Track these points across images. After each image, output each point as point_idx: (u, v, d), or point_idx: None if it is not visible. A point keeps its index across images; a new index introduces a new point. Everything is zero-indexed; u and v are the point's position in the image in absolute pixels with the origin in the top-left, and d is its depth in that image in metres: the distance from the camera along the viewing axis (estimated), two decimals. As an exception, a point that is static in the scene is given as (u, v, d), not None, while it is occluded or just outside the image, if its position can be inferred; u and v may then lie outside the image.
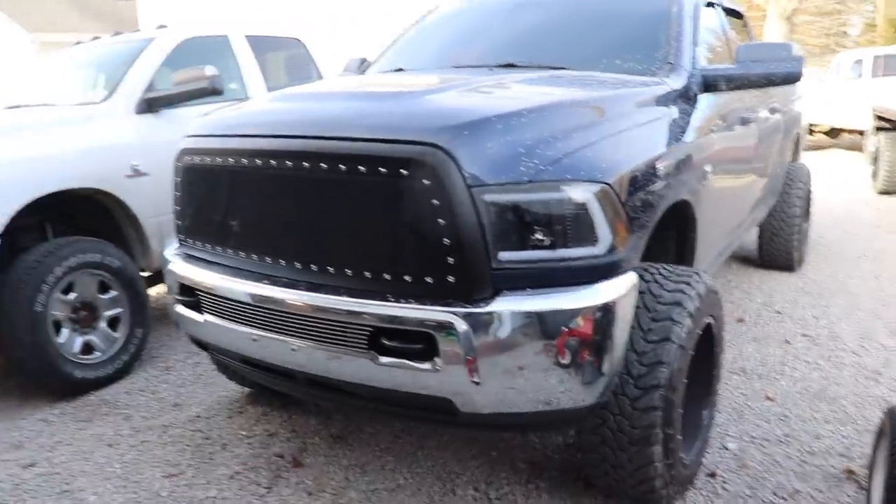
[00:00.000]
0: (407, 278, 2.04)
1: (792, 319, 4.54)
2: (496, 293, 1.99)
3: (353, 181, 2.08)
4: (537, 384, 2.03)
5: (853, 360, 3.86)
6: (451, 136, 2.00)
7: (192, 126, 2.68)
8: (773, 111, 4.50)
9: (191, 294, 2.58)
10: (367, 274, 2.09)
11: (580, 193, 2.02)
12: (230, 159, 2.37)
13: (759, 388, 3.53)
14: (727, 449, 2.95)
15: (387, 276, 2.07)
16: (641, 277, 2.31)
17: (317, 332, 2.19)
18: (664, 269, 2.46)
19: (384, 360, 2.09)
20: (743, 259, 5.95)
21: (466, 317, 1.96)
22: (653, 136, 2.60)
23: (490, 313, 1.96)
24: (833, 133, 14.66)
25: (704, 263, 3.23)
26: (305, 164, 2.17)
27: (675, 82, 2.98)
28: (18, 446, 3.16)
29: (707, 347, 2.68)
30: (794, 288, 5.21)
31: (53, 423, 3.39)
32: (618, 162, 2.21)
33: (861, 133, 13.02)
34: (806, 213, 5.77)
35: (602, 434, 2.32)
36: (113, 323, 3.86)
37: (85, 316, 3.73)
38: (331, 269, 2.16)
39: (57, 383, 3.58)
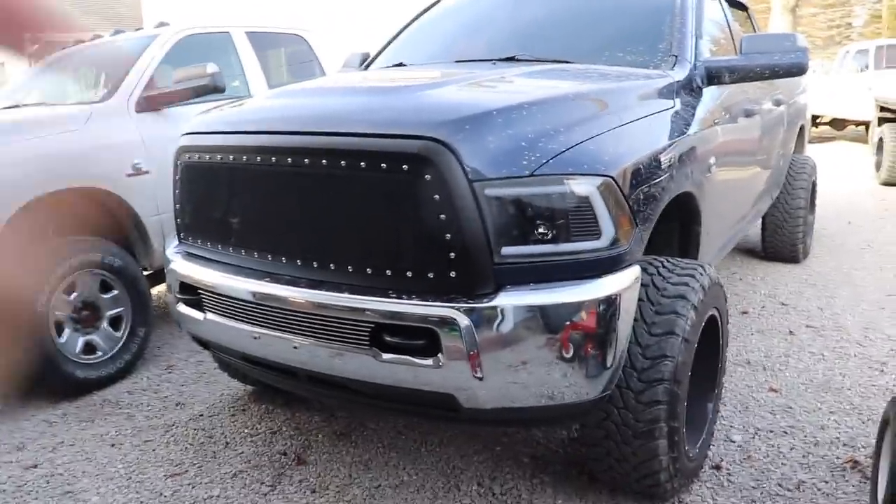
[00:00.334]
0: (409, 274, 2.03)
1: (796, 311, 4.52)
2: (499, 288, 1.98)
3: (354, 177, 2.07)
4: (541, 378, 2.02)
5: (858, 350, 3.84)
6: (451, 130, 1.99)
7: (192, 123, 2.67)
8: (777, 103, 4.48)
9: (192, 292, 2.57)
10: (369, 270, 2.08)
11: (583, 187, 2.00)
12: (230, 156, 2.36)
13: (764, 379, 3.52)
14: (732, 441, 2.94)
15: (388, 273, 2.05)
16: (645, 270, 2.30)
17: (318, 329, 2.18)
18: (668, 261, 2.44)
19: (386, 356, 2.08)
20: (747, 251, 5.94)
21: (469, 312, 1.95)
22: (656, 128, 2.58)
23: (493, 308, 1.95)
24: (837, 124, 14.63)
25: (708, 256, 3.21)
26: (306, 161, 2.15)
27: (679, 74, 2.96)
28: (20, 447, 3.15)
29: (711, 340, 2.67)
30: (799, 279, 5.20)
31: (56, 423, 3.38)
32: (621, 155, 2.19)
33: (865, 124, 12.98)
34: (811, 205, 5.75)
35: (606, 428, 2.31)
36: (115, 322, 3.86)
37: (87, 316, 3.73)
38: (332, 266, 2.15)
39: (59, 384, 3.58)
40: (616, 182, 2.09)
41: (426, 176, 1.95)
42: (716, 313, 2.59)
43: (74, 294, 3.66)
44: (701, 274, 2.42)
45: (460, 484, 2.69)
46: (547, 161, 2.00)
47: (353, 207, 2.10)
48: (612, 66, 3.04)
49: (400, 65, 3.64)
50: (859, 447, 2.85)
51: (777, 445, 2.89)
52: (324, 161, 2.12)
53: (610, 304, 2.03)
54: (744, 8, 4.88)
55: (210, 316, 2.52)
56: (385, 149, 2.02)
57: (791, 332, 4.15)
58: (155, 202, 4.13)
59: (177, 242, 2.75)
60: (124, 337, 3.87)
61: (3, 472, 2.93)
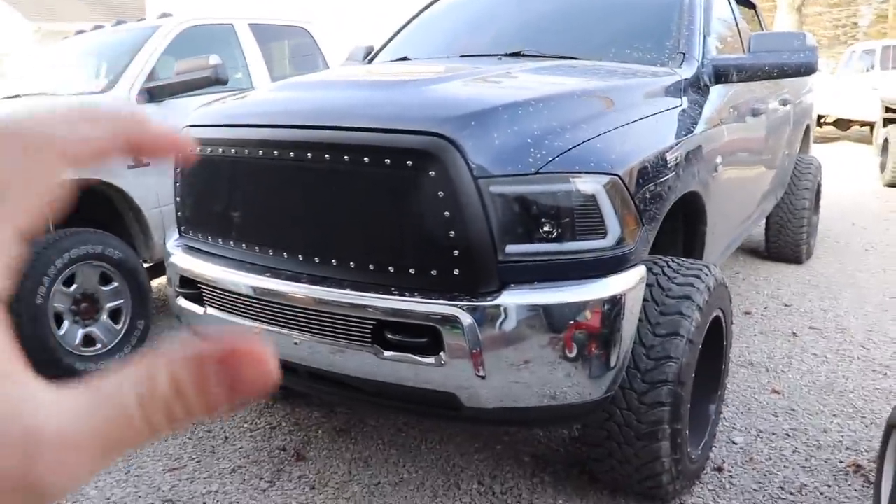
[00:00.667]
0: (412, 271, 2.00)
1: (799, 312, 4.50)
2: (503, 286, 1.95)
3: (358, 172, 2.04)
4: (543, 378, 2.00)
5: (861, 353, 3.82)
6: (457, 126, 1.96)
7: (193, 115, 2.64)
8: (784, 102, 4.45)
9: (192, 287, 2.55)
10: (371, 267, 2.06)
11: (589, 185, 1.98)
12: (232, 149, 2.33)
13: (767, 381, 3.49)
14: (734, 443, 2.92)
15: (391, 269, 2.03)
16: (650, 270, 2.27)
17: (320, 325, 2.15)
18: (673, 261, 2.42)
19: (388, 354, 2.05)
20: (750, 251, 5.91)
21: (472, 310, 1.93)
22: (663, 126, 2.56)
23: (496, 307, 1.93)
24: (842, 124, 14.58)
25: (713, 256, 3.19)
26: (308, 155, 2.13)
27: (686, 72, 2.93)
28: (20, 438, 3.13)
29: (715, 341, 2.65)
30: (802, 280, 5.17)
31: (55, 414, 3.36)
32: (627, 153, 2.17)
33: (870, 125, 12.94)
34: (815, 206, 5.71)
35: (609, 429, 2.29)
36: (114, 315, 3.84)
37: (86, 308, 3.71)
38: (334, 262, 2.13)
39: (58, 376, 3.55)
40: (622, 181, 2.06)
41: (430, 172, 1.93)
42: (720, 314, 2.57)
43: (74, 286, 3.64)
44: (706, 274, 2.40)
45: (460, 482, 2.67)
46: (553, 158, 1.98)
47: (356, 203, 2.07)
48: (620, 62, 3.01)
49: (404, 59, 3.61)
50: (862, 451, 2.83)
51: (779, 448, 2.87)
52: (326, 155, 2.09)
53: (614, 304, 2.01)
54: (751, 6, 4.85)
55: (210, 310, 2.50)
56: (389, 144, 2.00)
57: (794, 333, 4.13)
58: (155, 194, 4.11)
59: (177, 236, 2.73)
60: (124, 329, 3.86)
61: (1, 465, 2.91)
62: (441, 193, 1.92)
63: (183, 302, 2.62)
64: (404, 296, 2.00)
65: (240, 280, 2.32)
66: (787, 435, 2.98)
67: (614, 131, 2.22)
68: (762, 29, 5.03)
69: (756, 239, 5.90)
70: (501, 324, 1.94)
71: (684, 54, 3.06)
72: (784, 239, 5.44)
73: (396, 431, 3.06)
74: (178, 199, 2.67)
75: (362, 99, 2.27)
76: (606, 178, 2.01)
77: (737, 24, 4.07)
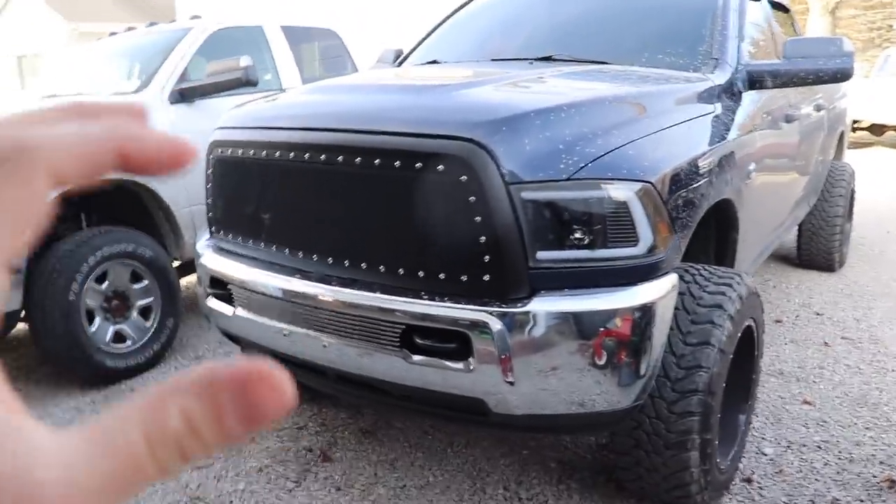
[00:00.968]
0: (441, 276, 2.00)
1: (832, 321, 4.42)
2: (533, 293, 1.94)
3: (388, 176, 2.05)
4: (572, 385, 1.98)
5: (896, 365, 3.75)
6: (488, 131, 1.96)
7: (225, 118, 2.66)
8: (818, 108, 4.38)
9: (222, 287, 2.57)
10: (401, 271, 2.06)
11: (621, 192, 1.96)
12: (263, 152, 2.35)
13: (798, 391, 3.44)
14: (764, 454, 2.87)
15: (421, 274, 2.03)
16: (681, 278, 2.25)
17: (348, 328, 2.16)
18: (705, 269, 2.39)
19: (417, 358, 2.05)
20: (781, 258, 5.83)
21: (502, 316, 1.92)
22: (696, 133, 2.53)
23: (526, 313, 1.92)
24: (876, 130, 14.34)
25: (745, 264, 3.14)
26: (339, 158, 2.13)
27: (720, 78, 2.90)
28: (51, 434, 3.18)
29: (746, 350, 2.61)
30: (834, 289, 5.09)
31: (85, 411, 3.41)
32: (660, 160, 2.15)
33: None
34: (849, 214, 5.62)
35: (637, 437, 2.27)
36: (144, 312, 3.88)
37: (117, 305, 3.75)
38: (364, 265, 2.13)
39: (88, 372, 3.61)
40: (655, 188, 2.04)
41: (462, 177, 1.92)
42: (752, 324, 2.54)
43: (105, 283, 3.68)
44: (738, 283, 2.36)
45: (486, 487, 2.66)
46: (585, 165, 1.96)
47: (387, 207, 2.08)
48: (652, 68, 2.98)
49: (434, 62, 3.61)
50: (897, 465, 2.78)
51: (810, 460, 2.83)
52: (357, 159, 2.09)
53: (645, 313, 1.99)
54: (786, 10, 4.78)
55: (240, 311, 2.51)
56: (420, 148, 2.00)
57: (826, 343, 4.06)
58: (186, 194, 4.15)
59: (208, 236, 2.75)
60: (153, 327, 3.89)
61: (32, 459, 2.96)
62: (472, 199, 1.91)
63: (213, 302, 2.64)
64: (434, 300, 2.00)
65: (269, 282, 2.34)
66: (819, 447, 2.93)
67: (647, 138, 2.20)
68: (796, 33, 4.96)
69: (787, 246, 5.82)
70: (531, 330, 1.93)
71: (717, 60, 3.03)
72: (816, 246, 5.35)
73: (423, 434, 3.05)
74: (209, 199, 2.69)
75: (393, 103, 2.28)
76: (639, 186, 1.99)
77: (771, 29, 4.02)
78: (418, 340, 2.05)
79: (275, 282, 2.32)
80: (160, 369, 3.87)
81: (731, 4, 3.30)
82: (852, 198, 5.67)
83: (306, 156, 2.22)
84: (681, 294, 2.22)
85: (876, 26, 23.88)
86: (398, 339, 2.07)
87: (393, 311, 2.05)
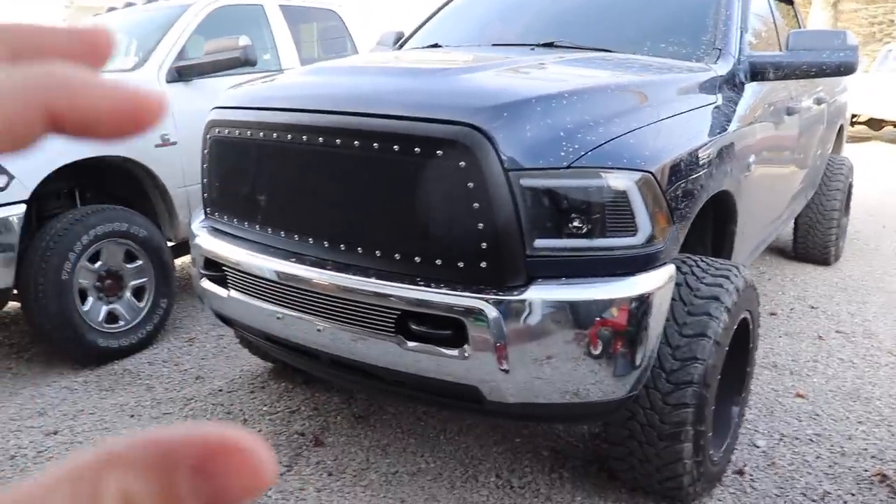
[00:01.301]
0: (438, 262, 1.98)
1: (826, 315, 4.43)
2: (530, 281, 1.93)
3: (386, 160, 2.02)
4: (567, 375, 1.98)
5: (889, 360, 3.75)
6: (489, 117, 1.93)
7: (222, 98, 2.63)
8: (818, 101, 4.36)
9: (216, 269, 2.55)
10: (397, 256, 2.04)
11: (621, 181, 1.94)
12: (260, 133, 2.32)
13: (791, 384, 3.44)
14: (756, 446, 2.88)
15: (417, 259, 2.01)
16: (678, 269, 2.24)
17: (343, 313, 2.14)
18: (702, 261, 2.38)
19: (411, 344, 2.04)
20: (777, 250, 5.82)
21: (498, 304, 1.90)
22: (697, 123, 2.51)
23: (523, 301, 1.90)
24: (874, 124, 14.32)
25: (742, 256, 3.14)
26: (337, 141, 2.11)
27: (722, 69, 2.88)
28: (42, 413, 3.17)
29: (741, 343, 2.61)
30: (829, 283, 5.09)
31: (76, 391, 3.39)
32: (660, 150, 2.13)
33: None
34: (846, 207, 5.62)
35: (631, 428, 2.27)
36: (138, 292, 3.86)
37: (110, 285, 3.73)
38: (360, 250, 2.11)
39: (81, 351, 3.59)
40: (655, 178, 2.02)
41: (461, 163, 1.90)
42: (748, 316, 2.53)
43: (99, 262, 3.66)
44: (736, 275, 2.36)
45: (478, 475, 2.66)
46: (585, 153, 1.94)
47: (384, 191, 2.06)
48: (654, 56, 2.96)
49: (435, 46, 3.58)
50: (888, 460, 2.78)
51: (802, 453, 2.83)
52: (356, 142, 2.07)
53: (642, 303, 1.98)
54: (789, 1, 4.75)
55: (234, 293, 2.50)
56: (419, 133, 1.98)
57: (820, 336, 4.07)
58: (182, 174, 4.12)
59: (203, 217, 2.73)
60: (147, 307, 3.87)
61: (25, 437, 2.95)
62: (471, 185, 1.89)
63: (207, 284, 2.62)
64: (430, 287, 1.99)
65: (264, 264, 2.32)
66: (811, 440, 2.93)
67: (647, 127, 2.18)
68: (800, 25, 4.93)
69: (783, 239, 5.82)
70: (527, 318, 1.91)
71: (720, 50, 3.00)
72: (812, 240, 5.35)
73: (416, 420, 3.05)
74: (205, 180, 2.66)
75: (393, 86, 2.25)
76: (639, 175, 1.98)
77: (774, 20, 3.99)
78: (413, 326, 2.04)
79: (270, 265, 2.30)
80: (152, 350, 3.86)
81: (735, -6, 3.27)
82: (850, 192, 5.66)
83: (304, 138, 2.20)
84: (678, 285, 2.21)
85: (877, 21, 23.83)
86: (393, 325, 2.06)
87: (388, 296, 2.03)
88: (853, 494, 2.57)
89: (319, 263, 2.20)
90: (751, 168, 2.88)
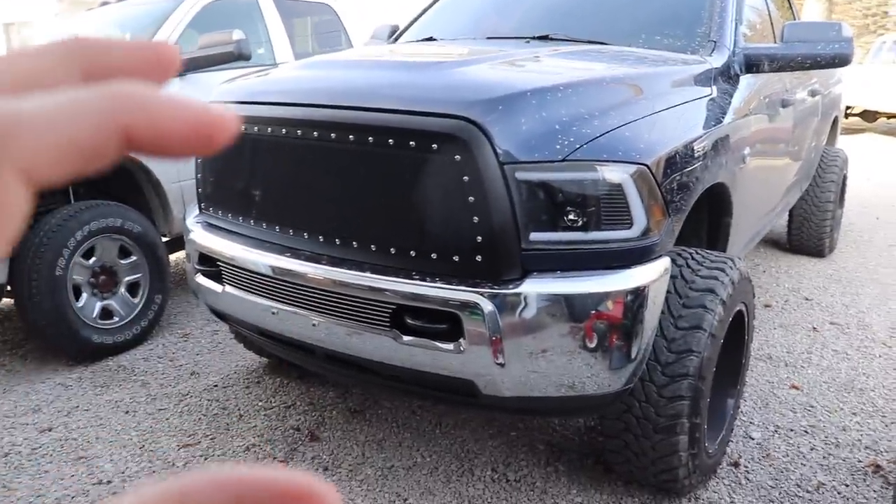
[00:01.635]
0: (433, 256, 1.98)
1: (820, 307, 4.44)
2: (525, 274, 1.93)
3: (381, 154, 2.02)
4: (563, 368, 1.98)
5: (883, 351, 3.76)
6: (483, 110, 1.93)
7: (216, 92, 2.62)
8: (812, 93, 4.36)
9: (211, 264, 2.54)
10: (392, 250, 2.04)
11: (616, 174, 1.94)
12: (255, 127, 2.31)
13: (786, 376, 3.45)
14: (751, 438, 2.88)
15: (412, 253, 2.01)
16: (674, 262, 2.24)
17: (338, 307, 2.14)
18: (697, 253, 2.38)
19: (407, 338, 2.04)
20: (772, 242, 5.83)
21: (493, 297, 1.90)
22: (692, 116, 2.51)
23: (518, 294, 1.90)
24: (868, 116, 14.35)
25: (737, 248, 3.14)
26: (332, 135, 2.10)
27: (717, 61, 2.87)
28: (36, 410, 3.16)
29: (736, 335, 2.61)
30: (824, 274, 5.10)
31: (71, 387, 3.38)
32: (655, 142, 2.13)
33: (897, 117, 12.72)
34: (840, 199, 5.63)
35: (626, 421, 2.27)
36: (132, 288, 3.85)
37: (104, 281, 3.72)
38: (355, 244, 2.11)
39: (75, 348, 3.57)
40: (650, 170, 2.02)
41: (456, 156, 1.90)
42: (743, 309, 2.53)
43: (93, 258, 3.64)
44: (731, 268, 2.36)
45: (474, 468, 2.66)
46: (580, 146, 1.94)
47: (379, 185, 2.05)
48: (649, 49, 2.95)
49: (430, 39, 3.56)
50: (882, 451, 2.79)
51: (797, 445, 2.84)
52: (350, 136, 2.06)
53: (637, 296, 1.98)
54: (783, -7, 4.74)
55: (228, 289, 2.49)
56: (414, 126, 1.97)
57: (814, 328, 4.08)
58: (176, 169, 4.10)
59: (197, 212, 2.72)
60: (141, 303, 3.86)
61: (19, 434, 2.94)
62: (466, 178, 1.89)
63: (201, 279, 2.62)
64: (425, 281, 1.98)
65: (259, 259, 2.31)
66: (805, 432, 2.94)
67: (643, 120, 2.18)
68: (794, 17, 4.93)
69: (778, 231, 5.83)
70: (522, 312, 1.91)
71: (715, 42, 3.00)
72: (807, 232, 5.36)
73: (411, 414, 3.05)
74: (199, 175, 2.65)
75: (388, 80, 2.24)
76: (634, 168, 1.98)
77: (768, 12, 3.99)
78: (409, 321, 2.03)
79: (264, 259, 2.29)
80: (147, 346, 3.84)
81: (729, -14, 3.26)
82: (844, 184, 5.67)
83: (298, 132, 2.19)
84: (673, 278, 2.21)
85: (871, 13, 23.86)
86: (388, 319, 2.05)
87: (383, 290, 2.03)
88: (847, 485, 2.58)
89: (314, 258, 2.19)
90: (746, 160, 2.88)
